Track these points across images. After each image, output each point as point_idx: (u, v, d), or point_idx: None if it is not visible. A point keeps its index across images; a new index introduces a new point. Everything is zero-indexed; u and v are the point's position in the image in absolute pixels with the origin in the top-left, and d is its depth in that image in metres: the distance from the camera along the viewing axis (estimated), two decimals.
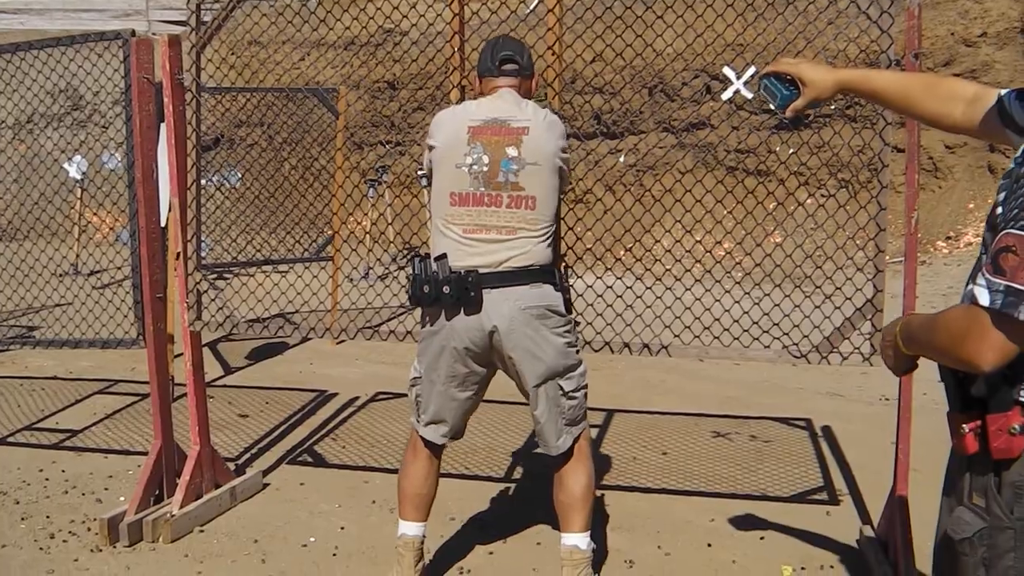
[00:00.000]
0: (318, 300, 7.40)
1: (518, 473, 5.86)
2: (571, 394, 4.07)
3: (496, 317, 3.89)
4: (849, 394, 7.49)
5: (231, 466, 5.57)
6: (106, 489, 5.62)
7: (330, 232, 9.78)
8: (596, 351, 4.74)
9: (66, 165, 13.09)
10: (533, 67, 4.19)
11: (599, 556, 4.62)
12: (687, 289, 5.18)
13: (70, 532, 5.07)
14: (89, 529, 5.07)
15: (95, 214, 13.24)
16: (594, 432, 6.37)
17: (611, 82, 12.37)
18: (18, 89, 7.27)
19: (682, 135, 13.46)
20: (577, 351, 4.13)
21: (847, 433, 6.46)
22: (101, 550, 4.83)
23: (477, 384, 4.12)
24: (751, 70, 4.60)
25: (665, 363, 7.31)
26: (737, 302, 4.95)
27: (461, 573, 4.56)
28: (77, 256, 12.31)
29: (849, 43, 4.95)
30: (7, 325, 9.58)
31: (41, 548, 4.91)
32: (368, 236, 12.63)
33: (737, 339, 4.72)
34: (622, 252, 7.43)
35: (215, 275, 9.73)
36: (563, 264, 4.49)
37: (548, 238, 4.01)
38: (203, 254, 8.06)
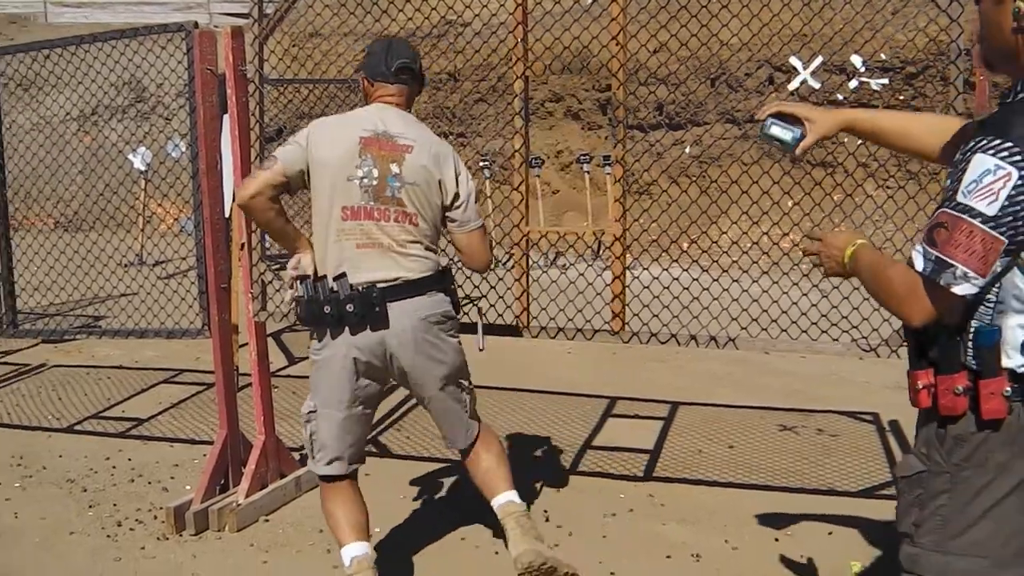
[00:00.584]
0: None
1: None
2: (468, 388, 4.20)
3: (398, 330, 3.88)
4: None
5: (295, 456, 5.57)
6: (172, 478, 5.67)
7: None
8: (663, 343, 4.68)
9: (131, 156, 13.21)
10: (422, 74, 4.22)
11: (665, 548, 4.59)
12: (754, 281, 5.11)
13: (137, 520, 5.11)
14: (155, 517, 5.10)
15: (160, 205, 13.37)
16: (658, 425, 6.33)
17: (675, 72, 12.27)
18: (83, 81, 7.34)
19: (746, 126, 13.31)
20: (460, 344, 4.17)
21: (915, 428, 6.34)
22: (167, 538, 4.87)
23: (374, 403, 4.14)
24: (818, 60, 4.53)
25: (731, 356, 7.23)
26: (805, 295, 4.89)
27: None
28: (142, 247, 12.42)
29: (917, 32, 4.86)
30: (73, 315, 9.69)
31: (108, 535, 4.96)
32: None
33: (805, 332, 4.66)
34: (688, 244, 7.36)
35: (278, 266, 9.76)
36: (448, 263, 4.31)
37: (433, 247, 4.03)
38: (267, 244, 8.11)
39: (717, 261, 5.03)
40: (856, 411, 6.68)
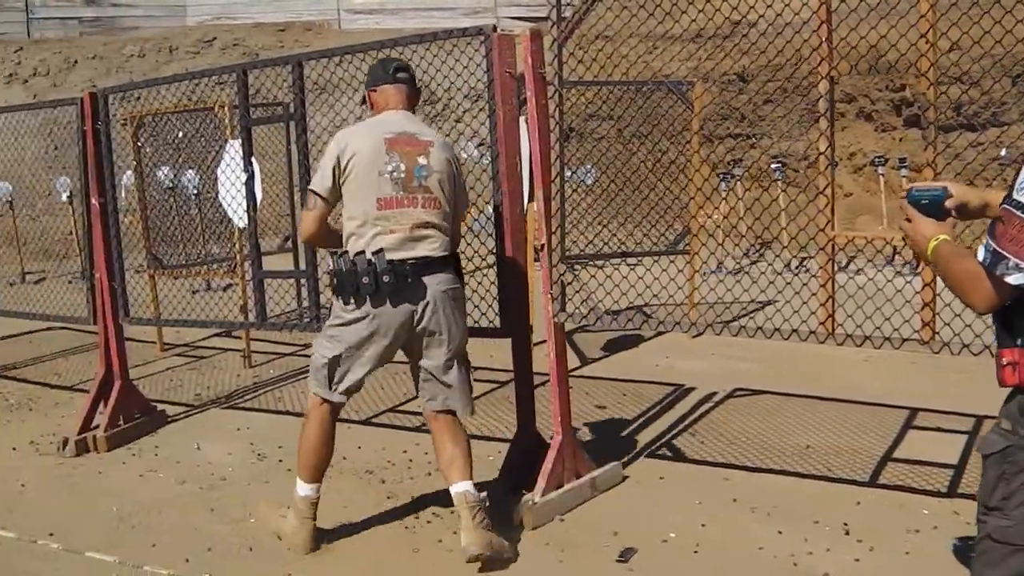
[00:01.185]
0: (667, 294, 7.36)
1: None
2: (467, 365, 4.85)
3: (428, 298, 4.58)
4: None
5: (589, 457, 5.59)
6: None
7: (684, 225, 9.70)
8: (975, 354, 4.45)
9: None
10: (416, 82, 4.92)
11: None
12: None
13: (434, 513, 5.23)
14: (452, 512, 5.19)
15: None
16: (962, 439, 5.99)
17: (967, 71, 11.69)
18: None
19: None
20: None
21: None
22: None
23: (389, 355, 4.74)
24: None
25: None
26: None
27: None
28: None
29: None
30: None
31: (407, 527, 5.09)
32: (719, 230, 12.46)
33: None
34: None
35: (579, 267, 9.85)
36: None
37: (452, 233, 4.76)
38: (567, 245, 8.16)
39: None
40: None
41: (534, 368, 5.49)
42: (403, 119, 4.76)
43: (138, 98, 10.10)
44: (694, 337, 8.95)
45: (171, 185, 9.76)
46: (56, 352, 10.01)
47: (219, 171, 7.44)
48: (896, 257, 12.26)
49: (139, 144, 8.39)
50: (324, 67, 6.16)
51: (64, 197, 14.55)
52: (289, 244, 8.44)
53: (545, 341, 5.33)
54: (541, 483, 5.09)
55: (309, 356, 6.76)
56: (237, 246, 8.06)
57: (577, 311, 5.16)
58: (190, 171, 9.64)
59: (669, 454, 6.00)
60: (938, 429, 6.25)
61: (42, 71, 20.15)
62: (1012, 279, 2.43)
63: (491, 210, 5.28)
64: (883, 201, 12.85)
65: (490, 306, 5.33)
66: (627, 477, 5.62)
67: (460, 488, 4.67)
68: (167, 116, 8.45)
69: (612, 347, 8.80)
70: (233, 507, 5.48)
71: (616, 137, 13.06)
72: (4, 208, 15.07)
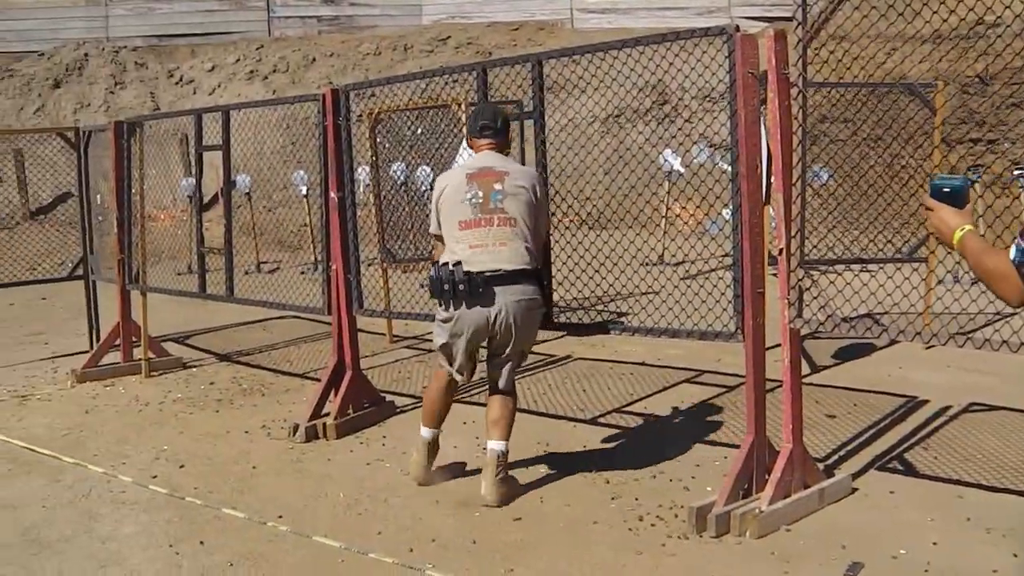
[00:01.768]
0: (909, 302, 7.10)
1: None
2: (524, 355, 5.81)
3: (497, 306, 5.40)
4: None
5: (819, 467, 5.45)
6: (693, 477, 5.70)
7: (923, 232, 9.36)
8: None
9: (670, 157, 13.46)
10: (507, 126, 5.76)
11: None
12: None
13: (658, 516, 5.18)
14: (676, 516, 5.15)
15: (684, 208, 13.58)
16: None
17: None
18: (611, 85, 7.54)
19: None
20: None
21: None
22: (687, 538, 4.89)
23: (479, 345, 5.64)
24: None
25: None
26: None
27: None
28: (664, 247, 12.67)
29: None
30: (596, 310, 10.04)
31: (630, 529, 5.06)
32: None
33: None
34: None
35: (818, 272, 9.59)
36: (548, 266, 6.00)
37: (531, 248, 5.50)
38: (806, 250, 7.96)
39: None
40: None
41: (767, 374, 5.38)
42: (486, 157, 5.65)
43: (372, 95, 10.33)
44: (928, 348, 8.62)
45: (403, 180, 9.96)
46: (288, 340, 10.37)
47: (455, 166, 7.55)
48: None
49: (376, 139, 8.57)
50: (553, 67, 6.18)
51: (303, 191, 15.06)
52: None
53: (774, 347, 5.22)
54: (769, 492, 4.99)
55: (541, 355, 6.86)
56: None
57: (814, 317, 5.02)
58: (424, 167, 9.81)
59: (900, 468, 5.78)
60: None
61: (281, 68, 20.93)
62: None
63: (727, 213, 5.20)
64: None
65: (724, 309, 5.24)
66: (856, 489, 5.44)
67: (492, 446, 5.50)
68: (402, 113, 8.61)
69: (843, 355, 8.55)
70: (458, 499, 5.55)
71: (850, 140, 12.74)
72: (243, 199, 15.67)
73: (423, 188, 10.21)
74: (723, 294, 5.37)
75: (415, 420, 6.07)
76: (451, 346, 5.60)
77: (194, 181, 15.24)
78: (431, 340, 5.96)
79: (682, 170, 13.19)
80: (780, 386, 5.22)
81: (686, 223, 13.26)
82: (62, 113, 20.41)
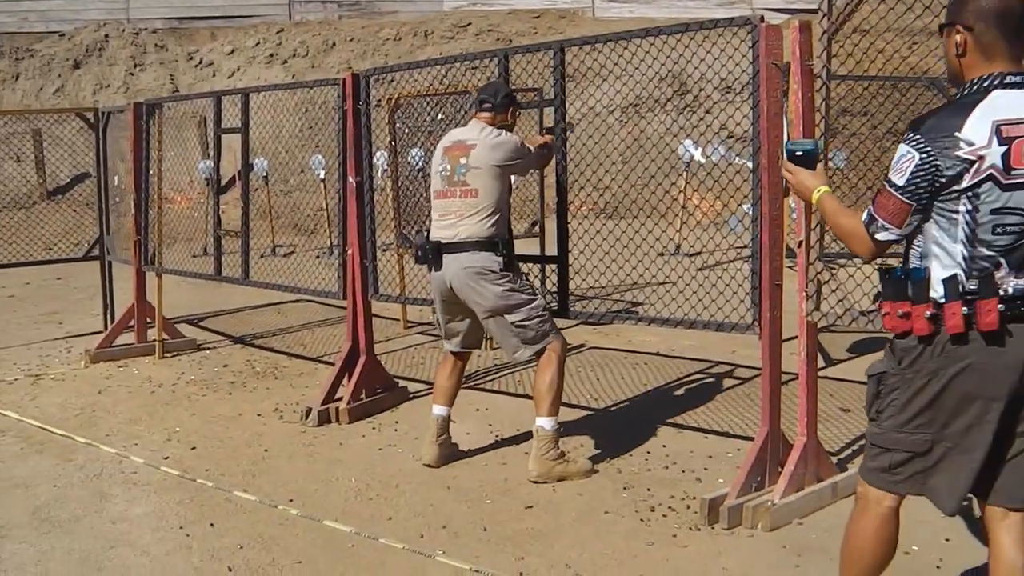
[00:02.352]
0: None
1: None
2: (520, 323, 5.61)
3: (448, 273, 5.65)
4: None
5: (832, 460, 5.42)
6: (706, 469, 5.67)
7: None
8: None
9: (691, 148, 13.39)
10: (506, 101, 5.81)
11: None
12: None
13: (669, 507, 5.15)
14: (688, 507, 5.12)
15: (703, 198, 13.49)
16: None
17: None
18: (633, 75, 7.47)
19: None
20: (525, 293, 5.68)
21: None
22: (699, 529, 4.87)
23: (460, 312, 5.81)
24: None
25: None
26: None
27: None
28: (682, 237, 12.60)
29: None
30: (611, 299, 10.02)
31: (642, 519, 5.03)
32: None
33: None
34: None
35: (836, 266, 9.52)
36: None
37: (489, 219, 5.62)
38: (825, 243, 7.89)
39: None
40: None
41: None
42: (465, 130, 5.86)
43: (391, 80, 10.31)
44: None
45: (420, 167, 9.94)
46: (303, 324, 10.38)
47: None
48: None
49: (395, 125, 8.55)
50: (575, 55, 6.16)
51: (322, 175, 15.05)
52: (536, 229, 8.47)
53: (790, 339, 5.18)
54: (782, 484, 4.96)
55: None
56: None
57: (832, 311, 4.98)
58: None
59: None
60: None
61: (301, 52, 20.92)
62: (881, 236, 3.23)
63: (746, 207, 5.17)
64: None
65: (741, 301, 5.21)
66: None
67: (536, 423, 5.60)
68: (420, 99, 8.57)
69: (859, 348, 8.49)
70: (470, 486, 5.54)
71: (869, 134, 12.67)
72: (260, 183, 15.67)
73: None
74: (740, 286, 5.33)
75: (428, 406, 6.06)
76: (435, 311, 6.04)
77: (211, 163, 15.31)
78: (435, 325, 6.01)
79: (703, 160, 13.11)
80: (795, 379, 5.18)
81: (705, 214, 13.20)
82: (81, 94, 20.46)
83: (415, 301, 7.45)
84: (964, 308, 3.11)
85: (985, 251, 3.10)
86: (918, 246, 3.22)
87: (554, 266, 6.16)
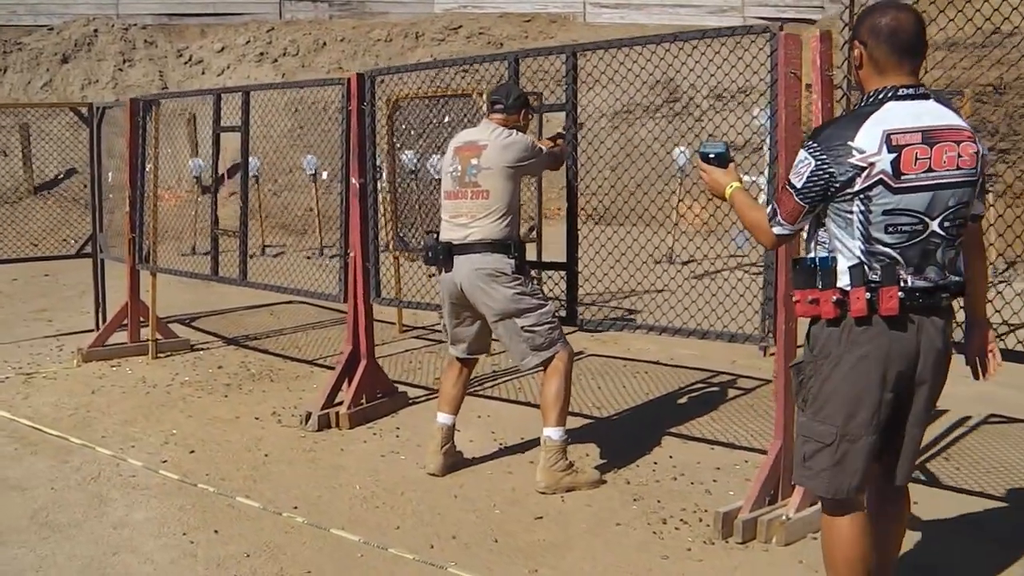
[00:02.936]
0: None
1: None
2: (529, 328, 5.53)
3: (459, 275, 5.58)
4: None
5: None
6: (715, 481, 5.61)
7: None
8: None
9: (685, 155, 13.32)
10: (519, 103, 5.74)
11: None
12: None
13: (681, 520, 5.09)
14: (700, 520, 5.06)
15: (689, 207, 13.41)
16: None
17: None
18: (620, 83, 7.41)
19: None
20: (536, 298, 5.60)
21: None
22: (713, 543, 4.80)
23: (469, 316, 5.75)
24: None
25: None
26: None
27: None
28: (674, 243, 12.54)
29: None
30: (609, 306, 9.95)
31: (654, 532, 4.97)
32: None
33: None
34: None
35: None
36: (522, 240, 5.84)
37: (501, 221, 5.54)
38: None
39: None
40: None
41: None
42: (477, 131, 5.77)
43: (382, 81, 10.25)
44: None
45: (413, 169, 9.86)
46: (296, 326, 10.29)
47: None
48: None
49: (394, 126, 8.47)
50: (564, 61, 6.12)
51: (324, 176, 14.94)
52: (534, 234, 8.40)
53: (799, 347, 5.12)
54: (796, 498, 4.90)
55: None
56: None
57: None
58: (436, 156, 9.71)
59: (923, 478, 5.68)
60: None
61: (292, 51, 20.83)
62: (777, 230, 3.53)
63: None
64: None
65: (741, 311, 5.16)
66: None
67: (544, 433, 5.55)
68: (416, 101, 8.49)
69: None
70: (477, 495, 5.47)
71: None
72: (250, 182, 15.54)
73: (435, 177, 10.12)
74: (741, 296, 5.30)
75: (428, 412, 6.00)
76: (442, 315, 5.93)
77: (201, 162, 15.18)
78: (441, 331, 5.94)
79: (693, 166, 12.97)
80: None
81: (704, 222, 13.16)
82: (69, 89, 20.30)
83: (414, 305, 7.34)
84: (868, 294, 3.36)
85: (881, 248, 3.37)
86: (823, 240, 3.49)
87: (563, 272, 6.07)
